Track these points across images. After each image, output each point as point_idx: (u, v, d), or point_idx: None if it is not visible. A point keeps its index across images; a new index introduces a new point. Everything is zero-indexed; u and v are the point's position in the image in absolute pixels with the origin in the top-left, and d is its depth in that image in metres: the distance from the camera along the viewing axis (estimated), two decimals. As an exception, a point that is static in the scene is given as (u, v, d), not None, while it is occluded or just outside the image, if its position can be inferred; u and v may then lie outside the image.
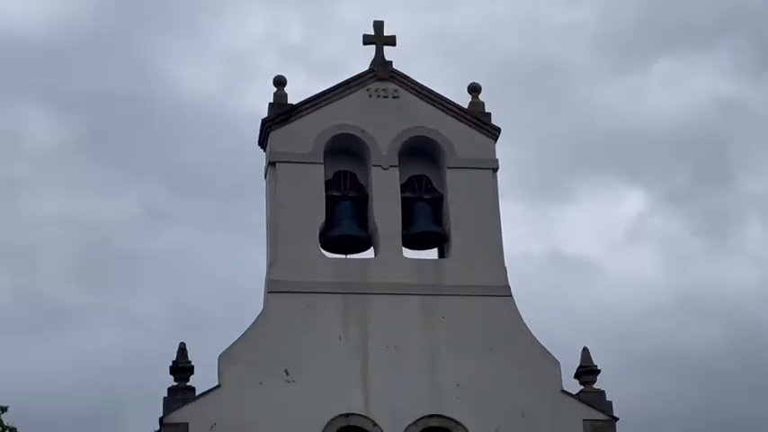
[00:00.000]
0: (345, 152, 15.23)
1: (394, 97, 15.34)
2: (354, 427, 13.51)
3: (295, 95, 15.33)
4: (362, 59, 15.95)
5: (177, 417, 13.13)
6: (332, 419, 13.33)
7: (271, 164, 14.96)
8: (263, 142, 15.41)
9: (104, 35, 52.21)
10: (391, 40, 15.63)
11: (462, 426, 13.53)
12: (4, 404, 32.32)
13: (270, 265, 14.50)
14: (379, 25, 15.74)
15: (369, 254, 15.03)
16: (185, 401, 13.31)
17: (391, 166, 14.95)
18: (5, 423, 29.46)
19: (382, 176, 14.93)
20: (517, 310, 14.43)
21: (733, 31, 58.59)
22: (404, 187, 15.07)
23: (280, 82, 15.35)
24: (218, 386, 13.45)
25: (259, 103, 15.80)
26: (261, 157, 15.57)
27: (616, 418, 13.90)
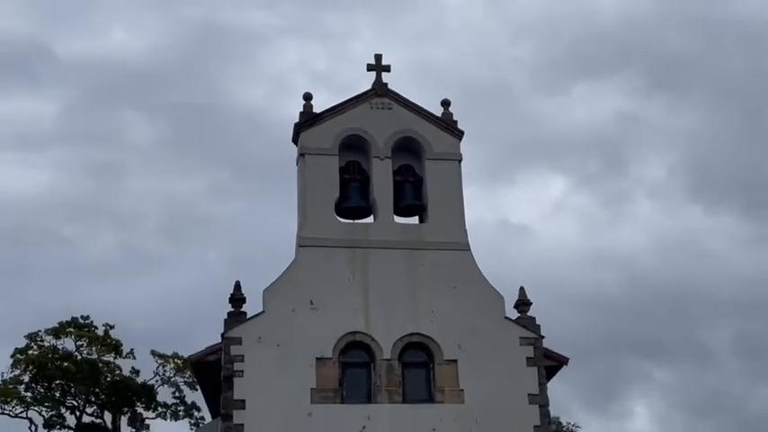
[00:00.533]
0: (354, 147, 17.28)
1: (388, 108, 17.39)
2: (358, 341, 15.75)
3: (318, 107, 17.40)
4: (366, 81, 17.82)
5: (234, 333, 15.43)
6: (343, 335, 15.67)
7: (301, 155, 17.14)
8: (295, 140, 17.44)
9: (184, 62, 64.70)
10: (387, 68, 17.73)
11: (434, 341, 15.81)
12: (111, 323, 36.63)
13: (300, 227, 16.67)
14: (378, 57, 17.83)
15: (369, 220, 17.13)
16: (239, 322, 15.60)
17: (386, 158, 17.11)
18: (113, 337, 33.44)
19: (380, 165, 17.08)
20: (474, 261, 16.66)
21: (631, 64, 65.74)
22: (395, 173, 17.20)
23: (307, 97, 17.48)
24: (263, 312, 15.74)
25: (293, 112, 17.74)
26: (293, 150, 17.58)
27: (542, 336, 16.21)
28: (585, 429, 45.31)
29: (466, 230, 17.03)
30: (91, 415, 39.30)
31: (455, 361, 15.87)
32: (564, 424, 42.66)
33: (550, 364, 16.53)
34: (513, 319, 16.53)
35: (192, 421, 38.33)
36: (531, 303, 16.76)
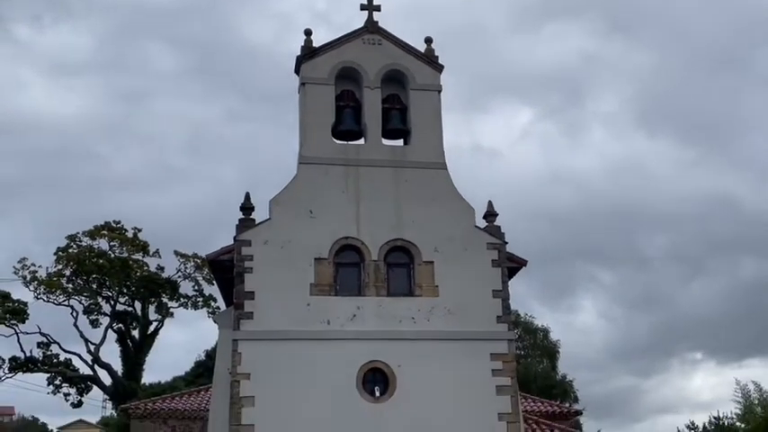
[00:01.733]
0: (348, 78, 17.09)
1: (378, 44, 17.16)
2: (350, 245, 15.95)
3: (318, 42, 17.14)
4: (360, 20, 17.47)
5: (244, 236, 15.65)
6: (337, 240, 15.89)
7: (301, 84, 16.98)
8: (297, 71, 17.21)
9: (203, 2, 68.98)
10: (378, 8, 17.34)
11: (415, 245, 16.06)
12: (139, 227, 36.93)
13: (300, 147, 16.64)
14: (370, -3, 17.36)
15: (361, 141, 17.07)
16: (249, 227, 15.77)
17: (376, 87, 16.95)
18: (141, 238, 33.71)
19: (370, 94, 16.95)
20: (450, 178, 16.74)
21: (594, 7, 65.36)
22: (383, 101, 17.06)
23: (308, 33, 17.16)
24: (269, 218, 15.92)
25: (296, 47, 17.34)
26: (296, 80, 17.37)
27: (506, 243, 16.50)
28: (540, 320, 46.65)
29: (444, 152, 17.05)
30: (123, 304, 40.04)
31: (432, 262, 16.13)
32: (522, 316, 43.80)
33: (512, 265, 16.82)
34: (482, 227, 16.71)
35: (210, 310, 39.11)
36: (498, 215, 16.93)
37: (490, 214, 16.90)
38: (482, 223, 16.81)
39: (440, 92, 17.40)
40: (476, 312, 15.88)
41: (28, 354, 38.88)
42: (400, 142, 17.57)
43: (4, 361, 38.81)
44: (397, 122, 17.25)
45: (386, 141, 17.24)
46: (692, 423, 39.05)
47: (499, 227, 16.79)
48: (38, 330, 38.91)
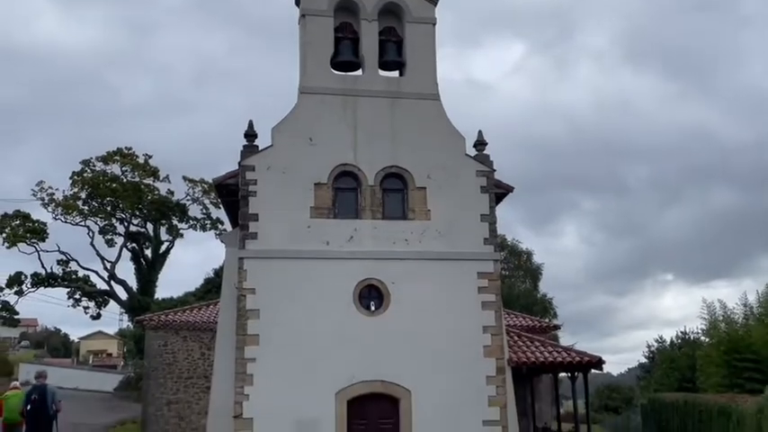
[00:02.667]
0: (346, 10, 16.71)
1: None
2: (348, 171, 15.91)
3: None
4: None
5: (248, 161, 15.63)
6: (335, 166, 15.86)
7: (302, 16, 16.60)
8: (297, 2, 16.80)
9: None
10: None
11: (408, 172, 16.05)
12: (150, 153, 36.73)
13: (301, 77, 16.36)
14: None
15: (358, 73, 16.78)
16: (253, 153, 15.73)
17: (373, 20, 16.64)
18: (151, 164, 33.55)
19: (368, 26, 16.64)
20: (443, 109, 16.56)
21: None
22: (380, 33, 16.78)
23: None
24: (272, 145, 15.84)
25: None
26: (296, 12, 16.93)
27: (494, 170, 16.49)
28: (525, 244, 47.23)
29: (437, 83, 16.84)
30: (136, 225, 40.25)
31: (424, 188, 16.18)
32: (508, 240, 44.25)
33: (499, 191, 16.88)
34: (472, 156, 16.69)
35: (217, 232, 39.36)
36: (487, 144, 16.87)
37: (480, 143, 16.83)
38: (472, 152, 16.76)
39: (434, 24, 17.04)
40: (464, 235, 16.01)
41: (48, 270, 39.33)
42: (396, 74, 17.29)
43: (26, 277, 39.27)
44: (393, 54, 16.95)
45: (382, 73, 16.97)
46: (661, 337, 40.15)
47: (488, 155, 16.75)
48: (57, 249, 39.31)
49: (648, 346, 40.55)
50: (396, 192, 16.21)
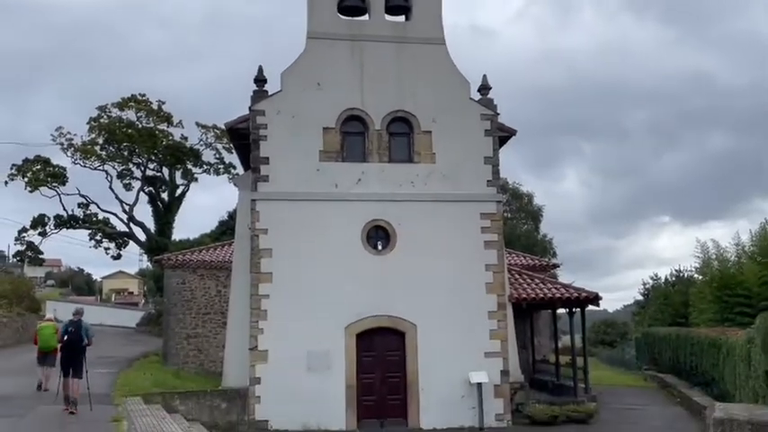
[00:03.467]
0: None
1: None
2: (355, 115, 15.80)
3: None
4: None
5: (258, 106, 15.55)
6: (343, 110, 15.75)
7: None
8: None
9: None
10: None
11: (414, 116, 15.91)
12: (162, 99, 36.15)
13: (309, 22, 15.96)
14: None
15: (365, 17, 16.50)
16: (263, 98, 15.64)
17: None
18: (165, 110, 33.32)
19: None
20: (448, 54, 16.32)
21: None
22: None
23: None
24: (281, 90, 15.70)
25: None
26: None
27: (498, 114, 16.37)
28: (526, 187, 47.05)
29: (443, 28, 16.51)
30: (152, 170, 40.19)
31: (430, 132, 16.06)
32: (510, 184, 44.11)
33: (502, 134, 16.76)
34: (476, 100, 16.51)
35: (230, 176, 39.27)
36: (491, 88, 16.71)
37: (484, 87, 16.64)
38: (476, 96, 16.57)
39: (439, -32, 16.49)
40: (468, 177, 15.97)
41: (70, 212, 39.60)
42: (402, 18, 16.90)
43: (49, 219, 39.57)
44: (399, -1, 16.42)
45: (389, 17, 16.63)
46: (656, 275, 40.38)
47: (492, 99, 16.59)
48: (77, 192, 39.43)
49: (644, 284, 40.79)
50: (402, 135, 16.08)
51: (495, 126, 16.31)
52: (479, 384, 14.93)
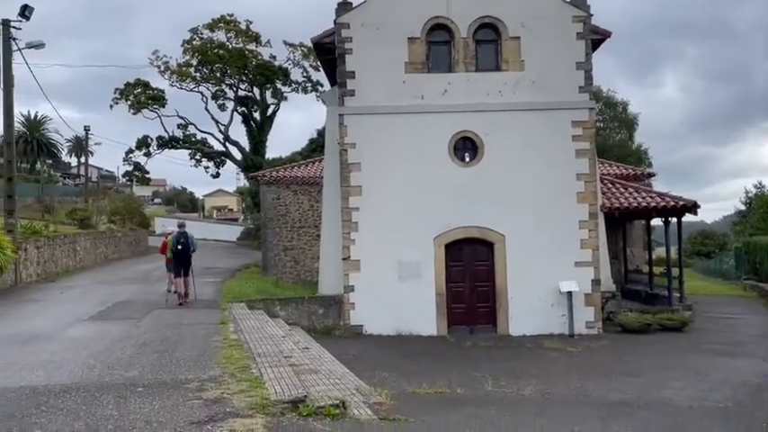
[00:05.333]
0: None
1: None
2: (441, 24, 15.39)
3: None
4: None
5: (343, 19, 15.43)
6: (428, 19, 15.36)
7: None
8: None
9: None
10: None
11: (502, 21, 15.17)
12: (250, 19, 35.00)
13: None
14: None
15: None
16: (347, 11, 15.48)
17: None
18: (252, 30, 32.76)
19: None
20: None
21: None
22: None
23: None
24: (365, 1, 15.37)
25: None
26: None
27: (591, 15, 15.45)
28: (621, 94, 44.66)
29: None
30: (244, 90, 40.96)
31: (518, 38, 15.43)
32: (604, 91, 41.94)
33: (596, 37, 15.88)
34: (568, 0, 15.54)
35: (317, 94, 39.46)
36: (584, -12, 15.57)
37: (577, -13, 15.55)
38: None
39: None
40: (559, 84, 15.32)
41: (171, 134, 41.29)
42: None
43: (152, 140, 41.46)
44: None
45: None
46: (760, 183, 38.02)
47: (585, -1, 15.53)
48: (176, 114, 40.91)
49: (746, 192, 38.61)
50: (489, 43, 15.55)
51: (587, 29, 15.42)
52: (569, 293, 14.83)
